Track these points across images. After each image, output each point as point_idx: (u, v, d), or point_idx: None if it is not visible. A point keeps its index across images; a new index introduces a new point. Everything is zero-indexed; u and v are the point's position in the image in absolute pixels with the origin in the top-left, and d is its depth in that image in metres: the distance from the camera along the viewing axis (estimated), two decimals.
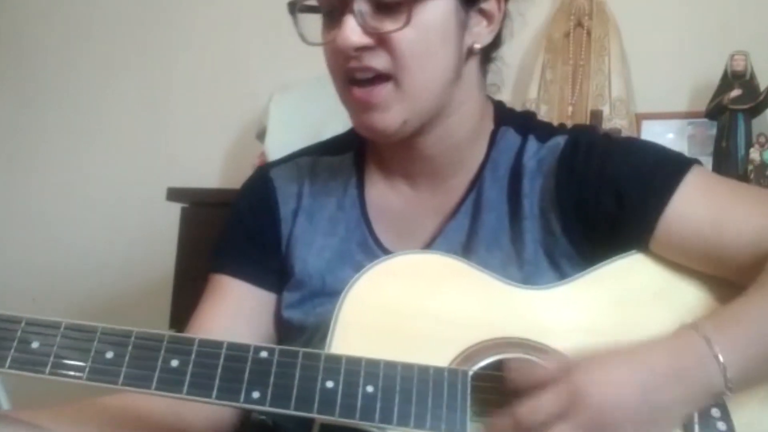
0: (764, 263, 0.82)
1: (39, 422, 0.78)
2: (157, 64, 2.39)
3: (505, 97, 1.07)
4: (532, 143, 0.97)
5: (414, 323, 0.82)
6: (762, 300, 0.79)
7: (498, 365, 0.80)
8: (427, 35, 0.87)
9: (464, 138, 0.97)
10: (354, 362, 0.76)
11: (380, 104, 0.88)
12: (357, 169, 1.03)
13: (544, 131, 0.98)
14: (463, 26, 0.90)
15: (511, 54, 1.02)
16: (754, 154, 1.67)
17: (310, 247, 0.99)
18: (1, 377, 1.62)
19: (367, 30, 0.85)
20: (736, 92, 1.71)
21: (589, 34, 1.91)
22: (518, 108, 1.08)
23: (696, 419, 0.77)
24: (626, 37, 1.90)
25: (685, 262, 0.89)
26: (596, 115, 1.79)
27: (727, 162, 1.70)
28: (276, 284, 1.01)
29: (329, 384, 0.74)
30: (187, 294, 1.03)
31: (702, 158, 1.76)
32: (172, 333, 0.76)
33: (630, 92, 1.88)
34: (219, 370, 0.74)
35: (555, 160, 0.94)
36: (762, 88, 1.71)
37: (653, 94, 1.90)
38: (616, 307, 0.84)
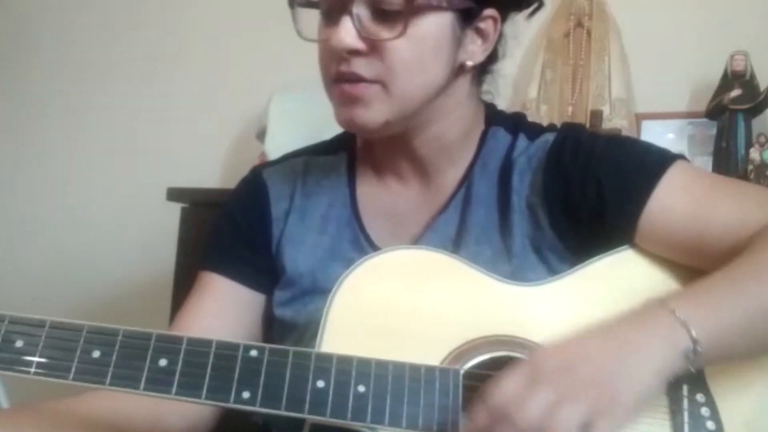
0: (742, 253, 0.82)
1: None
2: (157, 64, 2.38)
3: (505, 97, 1.07)
4: (521, 141, 0.98)
5: (403, 321, 0.82)
6: (729, 273, 0.80)
7: (488, 364, 0.80)
8: (420, 47, 0.87)
9: (454, 140, 0.98)
10: (345, 361, 0.76)
11: (363, 99, 0.88)
12: (349, 168, 1.03)
13: (534, 130, 0.99)
14: (457, 43, 0.90)
15: (511, 54, 1.02)
16: (754, 154, 1.67)
17: (301, 246, 0.99)
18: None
19: (362, 35, 0.86)
20: (736, 92, 1.70)
21: (589, 34, 1.90)
22: (518, 108, 1.08)
23: (686, 418, 0.77)
24: (626, 37, 1.89)
25: (671, 256, 0.89)
26: (596, 115, 1.78)
27: (727, 162, 1.69)
28: (265, 284, 1.01)
29: (320, 384, 0.74)
30: (187, 294, 1.02)
31: (702, 158, 1.77)
32: (160, 332, 0.75)
33: (630, 92, 1.87)
34: (208, 369, 0.73)
35: (544, 156, 0.95)
36: (762, 88, 1.71)
37: (653, 94, 1.89)
38: (606, 304, 0.84)
